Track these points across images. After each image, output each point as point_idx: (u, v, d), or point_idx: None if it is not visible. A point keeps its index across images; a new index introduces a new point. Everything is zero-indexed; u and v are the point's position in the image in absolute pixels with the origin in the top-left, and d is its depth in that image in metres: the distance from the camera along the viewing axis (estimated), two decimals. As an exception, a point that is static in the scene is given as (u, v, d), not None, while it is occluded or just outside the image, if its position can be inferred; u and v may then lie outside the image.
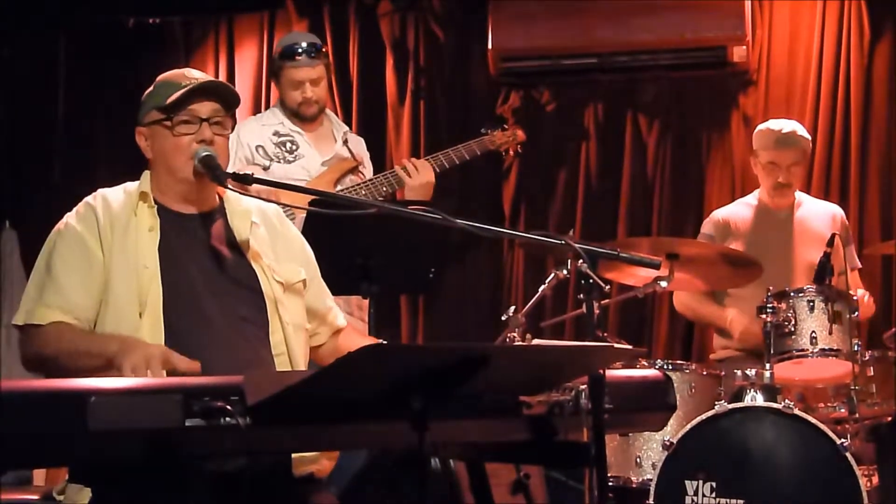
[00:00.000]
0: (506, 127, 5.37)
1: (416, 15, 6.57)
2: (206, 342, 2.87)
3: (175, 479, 2.29)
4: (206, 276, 3.01)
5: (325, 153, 4.95)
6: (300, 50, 4.91)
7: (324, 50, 5.04)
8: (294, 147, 4.90)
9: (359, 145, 5.13)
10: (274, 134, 4.92)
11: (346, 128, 5.19)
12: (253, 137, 4.89)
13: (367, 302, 4.64)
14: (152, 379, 2.55)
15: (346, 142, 5.01)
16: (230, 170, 4.58)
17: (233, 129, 3.15)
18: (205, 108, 3.03)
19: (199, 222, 3.08)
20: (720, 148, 6.26)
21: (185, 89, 3.01)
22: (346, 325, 3.33)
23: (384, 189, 4.87)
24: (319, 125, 5.02)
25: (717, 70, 6.20)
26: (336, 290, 3.46)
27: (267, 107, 6.61)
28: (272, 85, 6.64)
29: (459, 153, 5.11)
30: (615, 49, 6.23)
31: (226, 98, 3.08)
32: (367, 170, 5.09)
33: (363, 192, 4.82)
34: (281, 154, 4.86)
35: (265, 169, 4.81)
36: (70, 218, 3.02)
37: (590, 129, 6.40)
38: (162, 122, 3.03)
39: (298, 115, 4.94)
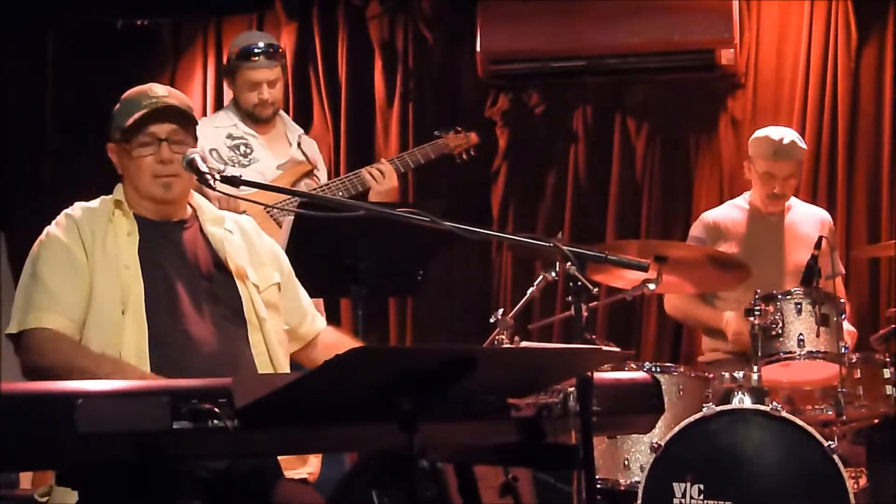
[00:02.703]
0: (459, 129, 5.31)
1: (405, 17, 6.57)
2: (187, 340, 2.93)
3: (163, 482, 2.29)
4: (184, 277, 3.06)
5: (279, 156, 4.87)
6: (257, 50, 4.84)
7: (281, 51, 4.98)
8: (248, 151, 4.82)
9: (312, 148, 5.05)
10: (227, 137, 4.83)
11: (301, 130, 5.10)
12: (206, 141, 4.81)
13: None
14: (140, 381, 2.54)
15: (299, 144, 4.96)
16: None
17: (194, 143, 3.16)
18: (163, 129, 3.08)
19: (174, 229, 3.14)
20: (708, 150, 6.27)
21: (140, 113, 3.06)
22: (325, 327, 3.36)
23: (340, 194, 4.80)
24: (273, 127, 4.94)
25: (705, 73, 6.20)
26: (324, 292, 3.46)
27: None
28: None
29: (415, 157, 5.08)
30: (604, 52, 6.23)
31: (181, 119, 3.12)
32: (321, 173, 5.03)
33: None
34: (235, 158, 4.79)
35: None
36: (51, 228, 3.07)
37: (578, 131, 6.40)
38: (122, 143, 3.10)
39: (253, 117, 4.85)
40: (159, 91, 3.13)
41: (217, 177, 2.96)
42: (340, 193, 4.80)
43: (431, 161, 5.20)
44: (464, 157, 5.33)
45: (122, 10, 6.59)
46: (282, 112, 5.05)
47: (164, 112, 3.07)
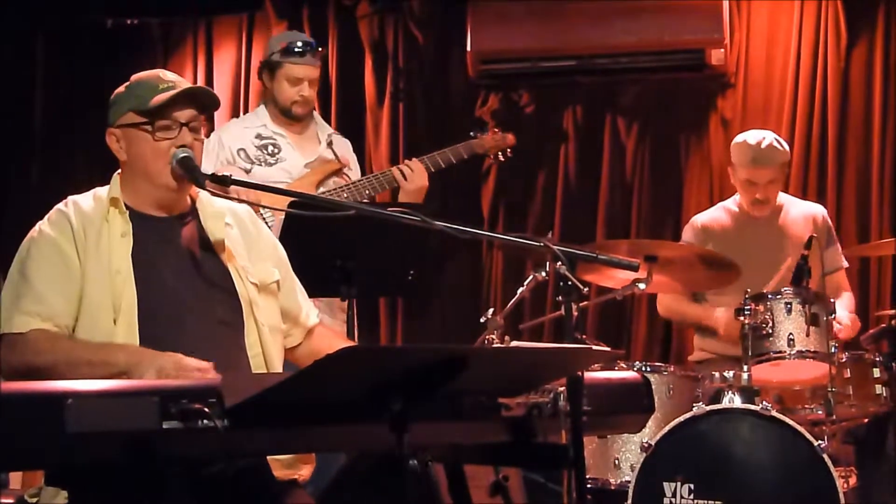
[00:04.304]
0: (496, 130, 5.26)
1: (395, 17, 6.57)
2: (181, 347, 2.81)
3: (152, 482, 2.28)
4: (180, 279, 2.98)
5: (308, 155, 4.88)
6: (304, 48, 4.86)
7: (322, 52, 5.00)
8: (276, 150, 4.84)
9: (344, 147, 5.05)
10: (256, 136, 4.85)
11: (331, 129, 5.11)
12: (235, 140, 4.84)
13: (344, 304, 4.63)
14: (130, 381, 2.53)
15: (330, 143, 4.96)
16: (210, 171, 4.56)
17: (207, 133, 3.12)
18: (185, 113, 2.99)
19: (172, 225, 3.05)
20: (698, 150, 6.28)
21: (173, 93, 2.96)
22: (320, 322, 3.30)
23: (366, 192, 4.80)
24: (305, 128, 4.95)
25: (695, 73, 6.22)
26: (315, 292, 3.44)
27: (245, 108, 6.60)
28: (251, 86, 6.63)
29: (446, 156, 5.02)
30: (594, 51, 6.24)
31: (206, 103, 3.06)
32: (354, 172, 5.01)
33: (345, 195, 4.76)
34: (262, 157, 4.80)
35: (246, 172, 4.75)
36: (43, 225, 2.97)
37: (569, 131, 6.41)
38: (141, 125, 2.98)
39: (289, 114, 4.86)
40: (171, 76, 3.05)
41: (208, 175, 2.95)
42: (367, 192, 4.80)
43: (464, 161, 5.16)
44: (500, 157, 5.28)
45: (112, 10, 6.58)
46: (315, 113, 5.05)
47: (191, 96, 3.00)
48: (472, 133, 5.22)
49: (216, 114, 6.50)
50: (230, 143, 4.82)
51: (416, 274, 4.28)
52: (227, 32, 6.75)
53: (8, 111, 6.64)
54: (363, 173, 5.15)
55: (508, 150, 5.30)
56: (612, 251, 3.99)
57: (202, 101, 3.05)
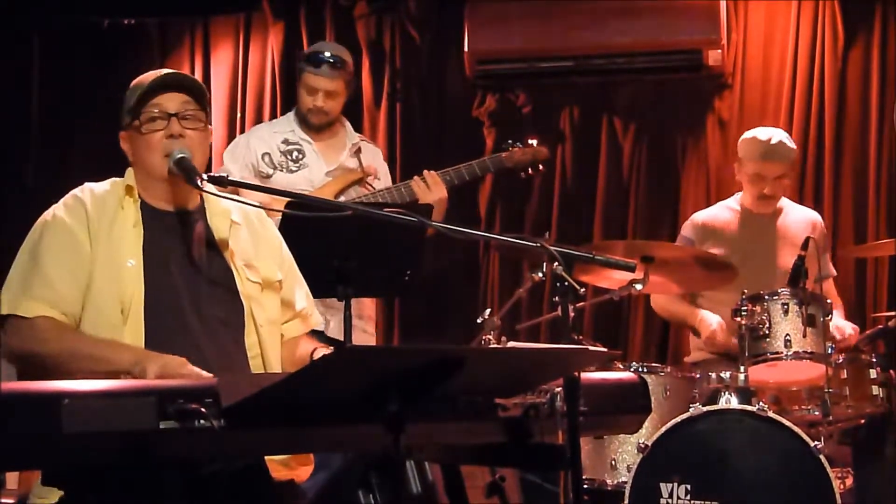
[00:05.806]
0: (529, 143, 5.14)
1: (392, 17, 6.57)
2: (182, 344, 2.84)
3: (149, 482, 2.28)
4: (185, 276, 2.99)
5: (332, 164, 4.90)
6: (323, 59, 4.88)
7: (348, 66, 4.97)
8: (300, 156, 4.86)
9: (373, 155, 5.04)
10: (283, 142, 4.89)
11: (358, 138, 5.10)
12: (261, 145, 4.88)
13: (374, 312, 4.66)
14: (127, 381, 2.53)
15: (357, 151, 4.95)
16: (237, 174, 4.61)
17: (205, 124, 3.11)
18: (172, 102, 3.00)
19: (179, 221, 3.06)
20: (695, 151, 6.28)
21: (147, 85, 3.00)
22: (307, 331, 3.29)
23: (388, 202, 4.80)
24: (333, 136, 4.97)
25: (692, 73, 6.22)
26: (312, 292, 3.44)
27: (243, 108, 6.60)
28: (248, 86, 6.64)
29: (472, 170, 4.96)
30: (591, 52, 6.25)
31: (192, 89, 3.05)
32: (383, 181, 4.99)
33: None
34: (285, 163, 4.83)
35: (268, 177, 4.78)
36: (58, 209, 2.98)
37: (565, 131, 6.41)
38: (131, 123, 3.02)
39: (307, 122, 4.92)
40: (167, 71, 3.08)
41: (204, 176, 2.94)
42: (388, 201, 4.78)
43: (490, 174, 5.09)
44: (530, 171, 5.16)
45: (109, 10, 6.57)
46: (345, 121, 5.05)
47: (170, 84, 3.01)
48: (504, 145, 5.14)
49: (215, 116, 6.52)
50: (256, 146, 4.87)
51: (413, 274, 4.28)
52: (224, 33, 6.74)
53: (4, 111, 6.63)
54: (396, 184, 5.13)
55: (541, 165, 5.18)
56: (609, 252, 4.00)
57: (186, 87, 3.04)
